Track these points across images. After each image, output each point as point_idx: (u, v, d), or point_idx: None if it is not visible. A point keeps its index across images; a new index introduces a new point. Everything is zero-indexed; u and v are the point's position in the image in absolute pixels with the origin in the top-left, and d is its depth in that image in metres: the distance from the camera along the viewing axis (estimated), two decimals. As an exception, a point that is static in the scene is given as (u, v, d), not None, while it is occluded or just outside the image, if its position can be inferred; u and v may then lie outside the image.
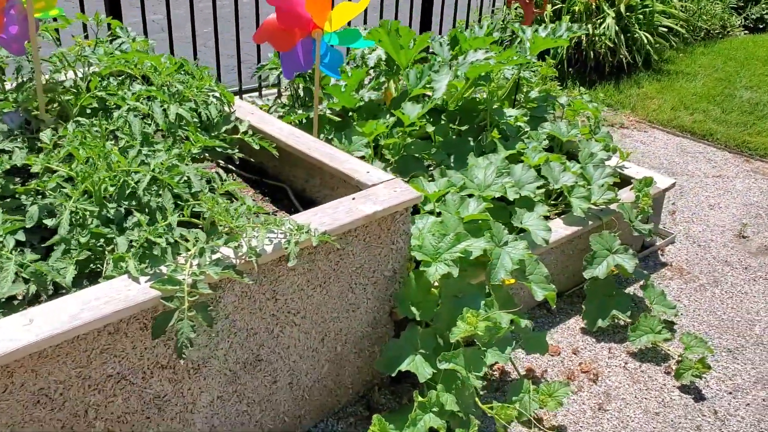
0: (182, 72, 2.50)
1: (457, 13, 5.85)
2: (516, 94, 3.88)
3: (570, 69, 5.97)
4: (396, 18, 5.35)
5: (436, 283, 2.41)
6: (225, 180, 2.09)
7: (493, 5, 6.27)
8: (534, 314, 3.02)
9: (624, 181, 3.47)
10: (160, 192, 1.96)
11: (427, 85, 3.08)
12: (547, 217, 3.03)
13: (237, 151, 2.53)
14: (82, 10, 3.77)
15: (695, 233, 3.75)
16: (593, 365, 2.75)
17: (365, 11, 5.12)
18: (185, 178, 2.02)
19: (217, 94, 2.56)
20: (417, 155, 3.08)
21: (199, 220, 1.97)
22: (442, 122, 3.31)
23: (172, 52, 4.13)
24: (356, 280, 2.25)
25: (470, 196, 2.67)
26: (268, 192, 2.67)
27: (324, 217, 2.06)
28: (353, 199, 2.18)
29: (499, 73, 3.74)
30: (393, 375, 2.28)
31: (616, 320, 2.98)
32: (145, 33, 4.10)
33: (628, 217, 3.04)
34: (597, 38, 5.79)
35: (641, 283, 3.13)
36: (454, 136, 3.24)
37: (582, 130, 3.66)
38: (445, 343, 2.34)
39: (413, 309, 2.32)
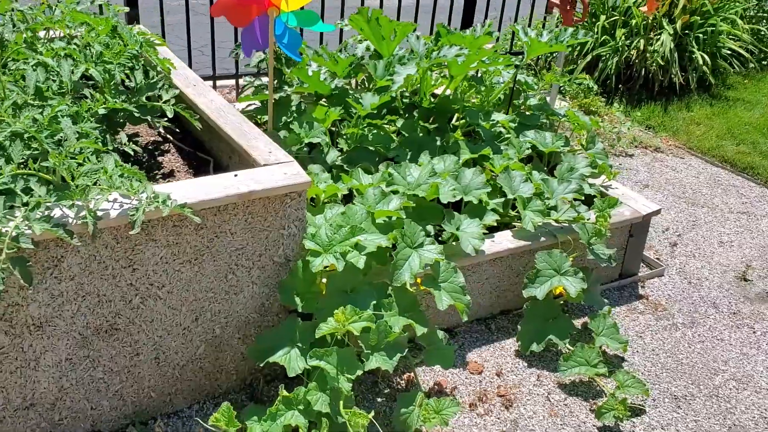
0: (116, 36, 2.49)
1: (504, 15, 5.63)
2: (513, 99, 3.67)
3: (620, 86, 5.63)
4: (433, 16, 5.21)
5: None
6: (120, 140, 2.05)
7: (546, 11, 6.00)
8: (470, 329, 2.83)
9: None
10: (31, 144, 1.95)
11: (388, 77, 2.95)
12: (495, 228, 2.83)
13: (163, 119, 2.50)
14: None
15: (691, 269, 3.42)
16: (513, 390, 2.54)
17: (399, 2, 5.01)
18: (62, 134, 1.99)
19: (153, 62, 2.54)
20: (372, 148, 2.96)
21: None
22: (414, 118, 3.17)
23: (188, 32, 4.18)
24: (238, 262, 2.16)
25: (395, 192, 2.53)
26: (196, 165, 2.63)
27: (191, 190, 1.99)
28: (236, 176, 2.09)
29: (492, 74, 3.55)
30: (261, 365, 2.17)
31: (557, 347, 2.75)
32: (161, 14, 4.18)
33: (586, 239, 2.79)
34: (649, 55, 5.43)
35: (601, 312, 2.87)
36: (421, 134, 3.09)
37: (586, 140, 3.41)
38: (335, 341, 2.21)
39: (296, 299, 2.21)
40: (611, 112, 5.14)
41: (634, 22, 5.61)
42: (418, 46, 3.14)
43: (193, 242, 2.05)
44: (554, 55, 5.83)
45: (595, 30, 5.62)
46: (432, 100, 3.32)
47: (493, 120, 3.26)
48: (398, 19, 5.00)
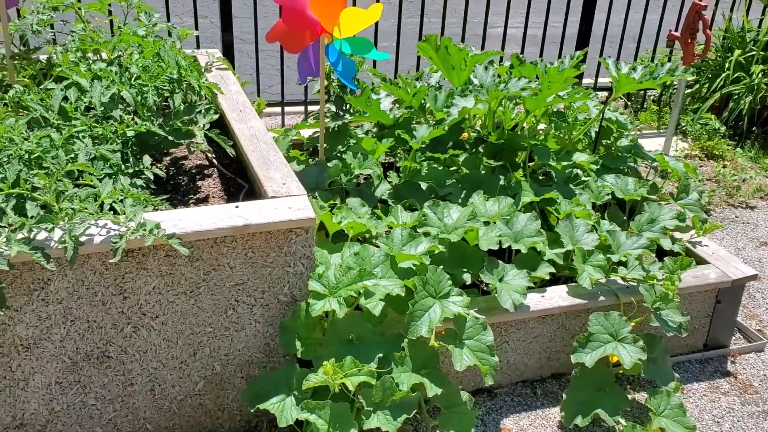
0: (159, 59, 2.49)
1: (624, 43, 5.21)
2: (602, 139, 3.33)
3: (753, 128, 5.04)
4: (542, 47, 4.92)
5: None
6: (131, 164, 2.03)
7: (667, 45, 5.51)
8: (513, 391, 2.55)
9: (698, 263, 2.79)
10: (44, 164, 1.95)
11: (445, 108, 2.75)
12: (551, 282, 2.54)
13: (202, 144, 2.46)
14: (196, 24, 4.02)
15: (800, 346, 2.91)
16: (545, 469, 2.24)
17: (504, 34, 4.77)
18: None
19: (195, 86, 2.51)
20: (425, 184, 2.76)
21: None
22: (478, 154, 2.94)
23: (282, 61, 4.21)
24: (239, 298, 2.05)
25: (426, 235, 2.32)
26: (233, 192, 2.56)
27: (185, 220, 1.90)
28: (237, 207, 1.99)
29: (577, 110, 3.25)
30: (252, 410, 2.03)
31: (607, 424, 2.40)
32: (256, 41, 4.24)
33: (650, 303, 2.43)
34: (789, 95, 4.82)
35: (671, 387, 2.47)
36: (483, 171, 2.86)
37: (678, 189, 3.00)
38: (340, 392, 2.04)
39: (297, 343, 2.06)
40: (735, 157, 4.59)
41: (775, 57, 5.01)
42: (485, 77, 2.92)
43: (187, 274, 1.96)
44: (672, 90, 5.34)
45: (728, 66, 5.08)
46: (504, 134, 3.08)
47: (571, 161, 2.96)
48: (503, 48, 4.76)
